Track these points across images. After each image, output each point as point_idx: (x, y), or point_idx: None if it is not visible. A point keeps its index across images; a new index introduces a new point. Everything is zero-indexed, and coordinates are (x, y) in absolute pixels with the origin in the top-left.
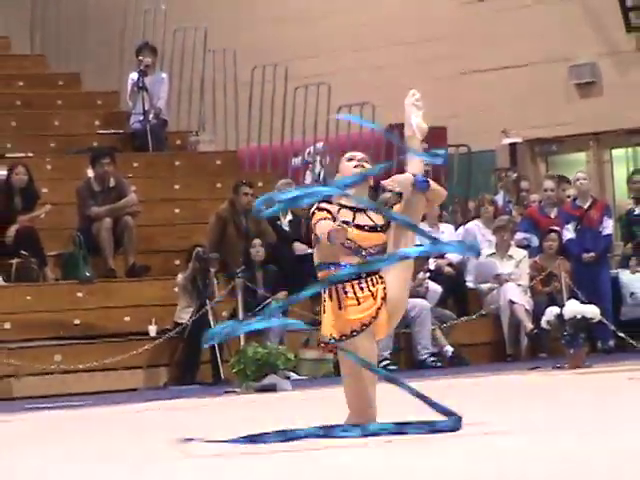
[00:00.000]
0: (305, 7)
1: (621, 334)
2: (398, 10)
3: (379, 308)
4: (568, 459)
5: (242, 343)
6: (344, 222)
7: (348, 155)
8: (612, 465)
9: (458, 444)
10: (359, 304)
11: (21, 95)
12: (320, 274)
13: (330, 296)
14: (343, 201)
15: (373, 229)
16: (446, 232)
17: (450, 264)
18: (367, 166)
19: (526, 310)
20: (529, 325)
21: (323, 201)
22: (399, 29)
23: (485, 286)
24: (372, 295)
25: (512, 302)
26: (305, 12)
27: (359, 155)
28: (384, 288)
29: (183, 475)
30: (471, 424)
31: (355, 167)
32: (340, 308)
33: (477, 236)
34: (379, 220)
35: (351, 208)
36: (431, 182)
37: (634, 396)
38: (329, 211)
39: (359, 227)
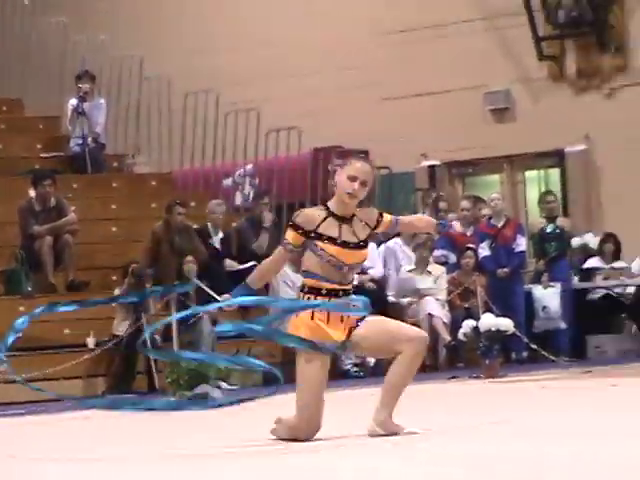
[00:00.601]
0: (235, 38)
1: (534, 346)
2: (324, 39)
3: (344, 342)
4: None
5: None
6: (329, 238)
7: (352, 171)
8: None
9: (389, 449)
10: (328, 322)
11: None
12: (306, 280)
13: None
14: (331, 206)
15: (357, 246)
16: (368, 249)
17: (372, 279)
18: (363, 191)
19: (444, 323)
20: (447, 337)
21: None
22: (325, 58)
23: (405, 300)
24: (341, 321)
25: (431, 315)
26: (235, 42)
27: (362, 176)
28: (354, 327)
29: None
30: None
31: (349, 197)
32: (312, 319)
33: (398, 253)
34: (362, 235)
35: (338, 218)
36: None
37: (547, 402)
38: (302, 230)
39: (344, 244)
